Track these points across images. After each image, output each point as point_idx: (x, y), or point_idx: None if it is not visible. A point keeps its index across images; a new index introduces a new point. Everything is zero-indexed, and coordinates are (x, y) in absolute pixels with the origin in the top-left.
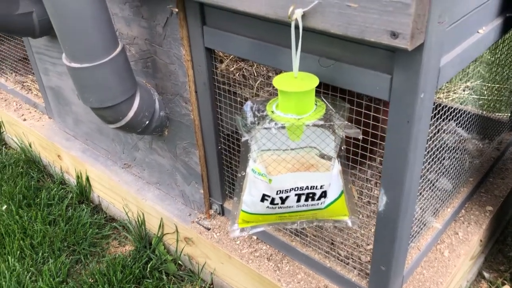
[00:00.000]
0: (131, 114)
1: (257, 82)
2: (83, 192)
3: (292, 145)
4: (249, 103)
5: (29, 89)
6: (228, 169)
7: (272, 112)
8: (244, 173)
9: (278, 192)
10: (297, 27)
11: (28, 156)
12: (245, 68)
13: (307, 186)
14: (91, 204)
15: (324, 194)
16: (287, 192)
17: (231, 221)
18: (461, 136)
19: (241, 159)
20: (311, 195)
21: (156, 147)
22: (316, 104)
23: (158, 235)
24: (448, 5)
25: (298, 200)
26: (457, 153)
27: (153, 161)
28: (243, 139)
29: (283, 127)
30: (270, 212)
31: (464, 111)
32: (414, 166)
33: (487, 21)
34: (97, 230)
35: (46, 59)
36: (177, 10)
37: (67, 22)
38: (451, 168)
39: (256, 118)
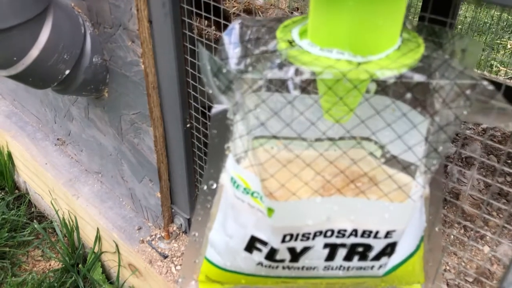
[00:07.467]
0: (34, 52)
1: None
2: (4, 174)
3: (325, 129)
4: (237, 23)
5: None
6: (203, 162)
7: (291, 43)
8: (215, 185)
9: (287, 237)
10: None
11: None
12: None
13: (355, 231)
14: (15, 192)
15: (390, 249)
16: (308, 239)
17: (185, 267)
18: None
19: (210, 153)
20: (360, 250)
21: (94, 118)
22: (401, 36)
23: (95, 252)
24: None
25: (330, 258)
26: None
27: (91, 138)
28: (215, 107)
29: (314, 82)
30: (264, 274)
31: None
32: None
33: None
34: (12, 233)
35: None
36: None
37: None
38: None
39: (250, 59)
